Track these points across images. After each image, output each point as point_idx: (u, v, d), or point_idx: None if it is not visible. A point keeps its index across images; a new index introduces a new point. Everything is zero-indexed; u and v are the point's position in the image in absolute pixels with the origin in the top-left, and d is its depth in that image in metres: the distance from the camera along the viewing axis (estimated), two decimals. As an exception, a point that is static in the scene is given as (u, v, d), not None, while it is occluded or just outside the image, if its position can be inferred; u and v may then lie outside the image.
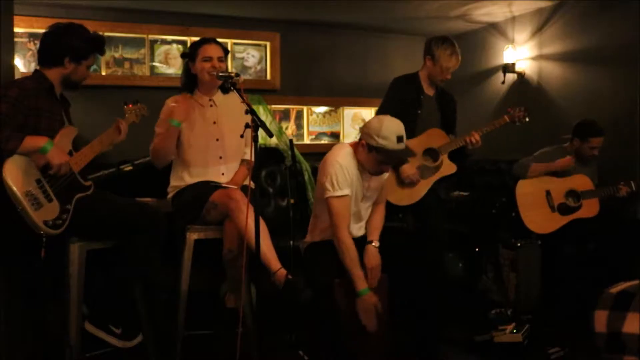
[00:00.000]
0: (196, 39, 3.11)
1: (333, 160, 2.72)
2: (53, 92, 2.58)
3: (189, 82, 3.00)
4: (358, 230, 2.88)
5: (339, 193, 2.68)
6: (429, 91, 3.47)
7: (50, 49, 2.58)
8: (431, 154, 3.38)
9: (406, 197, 3.32)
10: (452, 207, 4.40)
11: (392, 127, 2.64)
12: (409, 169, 3.27)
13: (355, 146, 2.78)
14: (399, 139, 2.63)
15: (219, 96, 3.01)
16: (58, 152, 2.40)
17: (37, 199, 2.33)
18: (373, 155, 2.68)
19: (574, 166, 3.76)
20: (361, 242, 2.81)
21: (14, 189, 2.26)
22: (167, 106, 2.97)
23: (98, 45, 2.68)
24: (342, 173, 2.68)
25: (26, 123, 2.40)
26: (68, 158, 2.47)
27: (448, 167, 3.38)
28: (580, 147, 3.76)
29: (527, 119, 3.49)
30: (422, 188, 3.34)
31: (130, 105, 2.84)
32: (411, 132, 3.20)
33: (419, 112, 3.38)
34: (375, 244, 2.80)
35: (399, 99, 3.38)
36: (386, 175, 2.94)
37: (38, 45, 2.64)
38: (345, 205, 2.70)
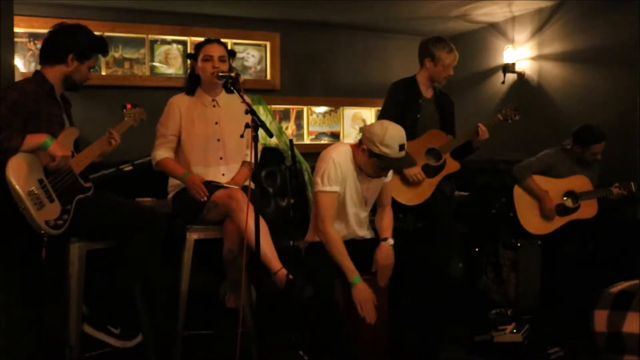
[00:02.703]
0: (196, 38, 3.12)
1: (328, 156, 2.72)
2: (53, 94, 2.57)
3: (191, 82, 3.01)
4: (361, 231, 2.89)
5: (327, 189, 2.68)
6: (427, 94, 3.52)
7: (55, 45, 2.57)
8: (433, 153, 3.43)
9: (415, 197, 3.37)
10: (453, 207, 4.39)
11: (396, 136, 2.62)
12: (413, 168, 3.29)
13: (355, 148, 2.77)
14: (401, 147, 2.63)
15: (222, 97, 3.00)
16: (59, 146, 2.41)
17: (39, 198, 2.33)
18: (373, 161, 2.67)
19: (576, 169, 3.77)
20: (366, 245, 2.81)
21: (17, 188, 2.27)
22: (170, 105, 2.97)
23: (102, 46, 2.69)
24: (334, 170, 2.68)
25: (25, 127, 2.40)
26: (69, 152, 2.48)
27: (451, 165, 3.45)
28: (582, 154, 3.72)
29: (517, 117, 3.50)
30: (429, 187, 3.40)
31: (130, 107, 2.83)
32: (412, 136, 3.24)
33: (419, 116, 3.44)
34: (390, 241, 2.80)
35: (398, 103, 3.43)
36: (389, 177, 2.93)
37: (41, 44, 2.62)
38: (331, 201, 2.70)
